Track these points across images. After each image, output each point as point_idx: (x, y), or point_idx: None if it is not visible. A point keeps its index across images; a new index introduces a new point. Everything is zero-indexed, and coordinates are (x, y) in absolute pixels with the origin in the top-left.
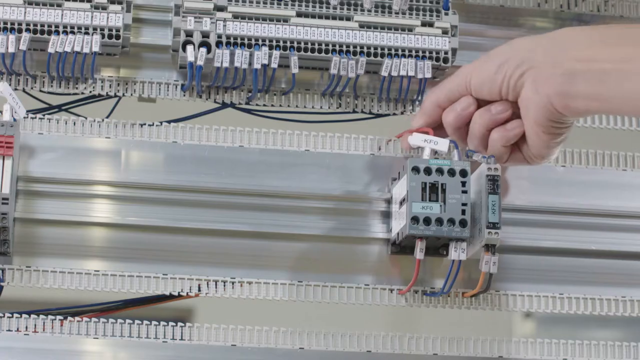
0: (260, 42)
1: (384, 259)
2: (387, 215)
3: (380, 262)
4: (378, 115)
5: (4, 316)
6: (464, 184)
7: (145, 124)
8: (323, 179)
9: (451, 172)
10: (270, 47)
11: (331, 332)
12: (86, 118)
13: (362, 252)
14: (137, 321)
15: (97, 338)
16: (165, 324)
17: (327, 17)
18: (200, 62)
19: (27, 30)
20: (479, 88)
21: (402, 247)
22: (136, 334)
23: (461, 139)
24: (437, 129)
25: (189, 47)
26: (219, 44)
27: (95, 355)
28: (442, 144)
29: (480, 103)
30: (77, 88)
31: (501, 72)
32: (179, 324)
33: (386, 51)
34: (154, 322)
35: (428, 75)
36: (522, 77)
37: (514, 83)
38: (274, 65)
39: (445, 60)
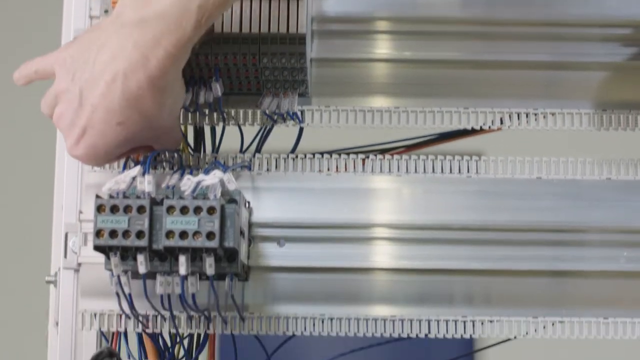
0: None
1: None
2: None
3: None
4: None
5: (305, 157)
6: None
7: None
8: (623, 4)
9: None
10: None
11: (638, 161)
12: None
13: None
14: (439, 157)
15: (399, 175)
16: (469, 158)
17: None
18: None
19: None
20: None
21: None
22: (439, 169)
23: None
24: None
25: None
26: None
27: (392, 192)
28: None
29: None
30: None
31: None
32: (483, 157)
33: None
34: (457, 157)
35: None
36: None
37: None
38: None
39: None
